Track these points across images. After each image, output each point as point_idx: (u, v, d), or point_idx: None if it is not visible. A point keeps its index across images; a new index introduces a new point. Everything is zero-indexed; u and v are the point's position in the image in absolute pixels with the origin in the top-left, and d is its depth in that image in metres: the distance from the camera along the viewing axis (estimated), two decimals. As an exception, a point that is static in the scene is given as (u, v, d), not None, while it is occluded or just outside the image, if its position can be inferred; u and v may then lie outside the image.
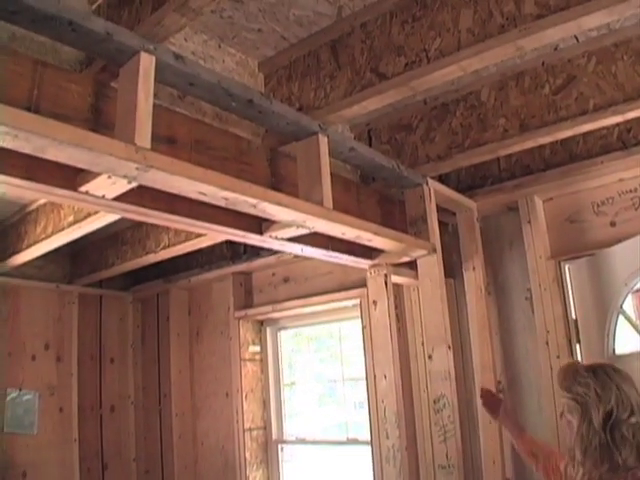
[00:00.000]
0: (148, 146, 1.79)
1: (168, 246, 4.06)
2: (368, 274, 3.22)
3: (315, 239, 2.74)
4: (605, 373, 2.17)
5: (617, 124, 3.21)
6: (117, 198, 2.05)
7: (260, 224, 2.53)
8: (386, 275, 3.15)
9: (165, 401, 5.15)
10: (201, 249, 4.30)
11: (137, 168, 1.78)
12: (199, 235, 3.80)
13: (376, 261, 3.15)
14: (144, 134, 1.80)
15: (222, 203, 2.10)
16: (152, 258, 4.29)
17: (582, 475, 2.16)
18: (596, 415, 2.08)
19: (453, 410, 2.94)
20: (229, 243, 4.61)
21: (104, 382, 5.22)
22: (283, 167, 2.65)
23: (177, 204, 2.25)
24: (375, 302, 3.18)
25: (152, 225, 4.16)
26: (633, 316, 3.07)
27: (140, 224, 4.24)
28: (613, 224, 3.37)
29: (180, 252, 4.14)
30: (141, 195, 2.13)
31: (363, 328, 4.02)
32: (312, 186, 2.43)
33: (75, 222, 3.29)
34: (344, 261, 3.08)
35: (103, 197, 2.02)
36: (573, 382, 2.18)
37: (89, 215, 3.16)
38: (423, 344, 3.72)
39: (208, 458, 4.97)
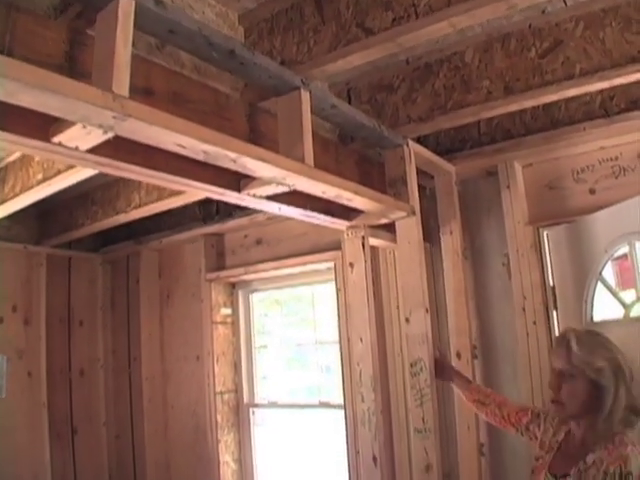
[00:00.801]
0: (126, 94, 1.70)
1: (139, 206, 3.97)
2: (345, 236, 3.16)
3: (293, 198, 2.67)
4: (606, 339, 2.23)
5: (600, 91, 3.19)
6: (91, 150, 1.95)
7: (239, 181, 2.45)
8: (364, 237, 3.10)
9: (135, 364, 5.11)
10: (173, 210, 4.22)
11: (114, 117, 1.69)
12: (171, 195, 3.72)
13: (354, 222, 3.10)
14: (122, 82, 1.71)
15: (201, 157, 2.03)
16: (123, 218, 4.20)
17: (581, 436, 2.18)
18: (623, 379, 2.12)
19: (430, 374, 2.91)
20: (201, 204, 4.53)
21: (73, 345, 5.15)
22: (262, 123, 2.57)
23: (154, 158, 2.16)
24: (352, 264, 3.13)
25: (123, 185, 4.08)
26: (612, 283, 3.06)
27: (111, 184, 4.15)
28: (593, 192, 3.36)
29: (151, 212, 4.05)
30: (116, 148, 2.03)
31: (337, 291, 3.99)
32: (293, 143, 2.36)
33: (44, 180, 3.19)
34: (322, 222, 3.02)
35: (76, 149, 1.92)
36: (598, 346, 2.18)
37: (59, 172, 3.07)
38: (398, 308, 3.73)
39: (179, 422, 4.94)
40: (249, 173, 2.23)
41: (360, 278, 3.08)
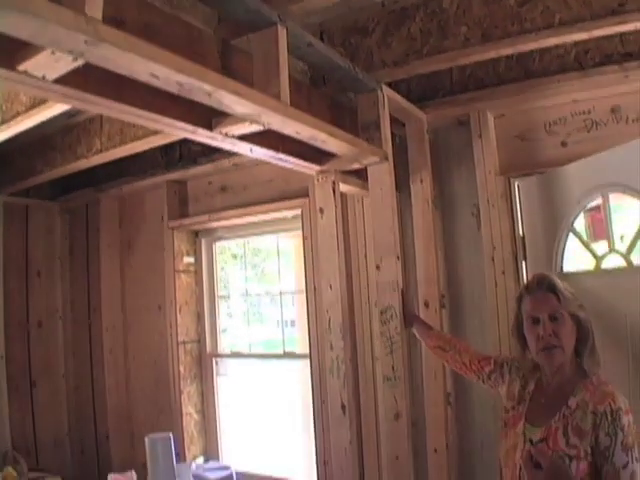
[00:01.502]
0: (99, 18, 1.61)
1: (100, 151, 3.85)
2: (315, 181, 3.11)
3: (265, 139, 2.61)
4: None
5: (575, 44, 3.16)
6: (58, 81, 1.86)
7: (210, 120, 2.38)
8: (334, 182, 3.04)
9: (95, 315, 5.03)
10: (134, 156, 4.11)
11: (86, 42, 1.59)
12: (133, 139, 3.62)
13: (325, 167, 3.04)
14: (96, 5, 1.61)
15: (175, 89, 1.94)
16: (83, 164, 4.07)
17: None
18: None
19: (400, 322, 2.89)
20: (164, 150, 4.43)
21: (31, 296, 5.04)
22: (235, 61, 2.46)
23: (125, 92, 2.07)
24: (322, 210, 3.07)
25: (84, 129, 3.94)
26: (584, 235, 3.07)
27: (71, 128, 4.01)
28: (564, 144, 3.34)
29: (113, 157, 3.93)
30: (85, 79, 1.94)
31: (304, 239, 3.94)
32: (268, 80, 2.27)
33: (2, 123, 3.05)
34: (293, 165, 2.95)
35: (43, 78, 1.82)
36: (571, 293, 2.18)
37: (17, 114, 2.94)
38: (366, 257, 3.71)
39: (140, 373, 4.89)
40: (223, 109, 2.15)
41: (330, 224, 3.04)
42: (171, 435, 2.53)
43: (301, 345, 4.59)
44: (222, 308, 4.83)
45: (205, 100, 2.04)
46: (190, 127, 2.33)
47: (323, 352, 3.64)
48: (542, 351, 2.16)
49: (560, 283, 2.18)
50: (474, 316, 3.52)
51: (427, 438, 3.44)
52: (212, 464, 3.36)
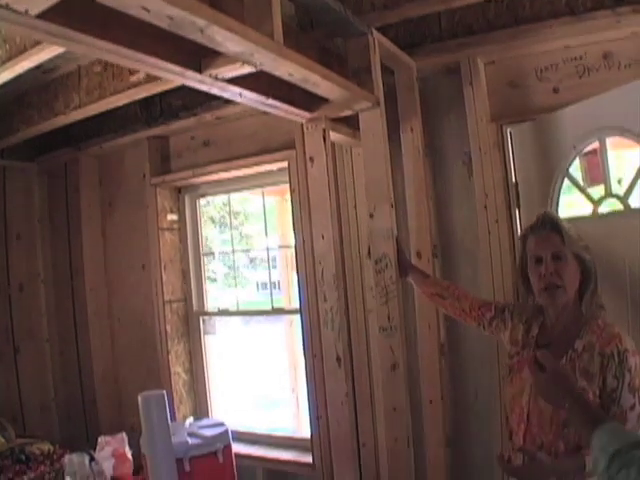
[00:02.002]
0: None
1: (79, 107, 3.71)
2: (305, 129, 3.02)
3: (255, 84, 2.53)
4: None
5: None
6: (41, 16, 1.76)
7: (199, 62, 2.28)
8: (324, 130, 2.96)
9: (77, 277, 4.92)
10: (114, 113, 4.00)
11: (71, -31, 1.50)
12: (113, 93, 3.50)
13: (315, 114, 2.95)
14: None
15: (165, 24, 1.83)
16: (61, 120, 3.92)
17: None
18: None
19: (395, 270, 2.84)
20: (144, 106, 4.30)
21: (11, 260, 4.91)
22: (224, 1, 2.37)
23: (110, 30, 1.96)
24: (312, 159, 2.99)
25: (61, 85, 3.80)
26: (580, 180, 3.02)
27: (48, 84, 3.86)
28: (556, 90, 3.27)
29: (92, 113, 3.79)
30: (69, 15, 1.84)
31: (291, 192, 3.86)
32: (261, 19, 2.16)
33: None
34: (282, 112, 2.87)
35: (26, 12, 1.72)
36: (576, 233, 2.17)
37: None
38: (356, 208, 3.67)
39: (126, 334, 4.81)
40: (215, 47, 2.05)
41: (321, 173, 2.96)
42: (164, 393, 2.47)
43: (286, 303, 4.55)
44: (210, 264, 4.75)
45: (197, 37, 1.94)
46: (178, 69, 2.23)
47: (314, 306, 3.58)
48: (544, 290, 2.14)
49: (565, 223, 2.15)
50: (467, 265, 3.48)
51: (422, 389, 3.41)
52: (206, 421, 3.30)
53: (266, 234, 4.49)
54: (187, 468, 2.38)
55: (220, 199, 5.16)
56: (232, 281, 4.91)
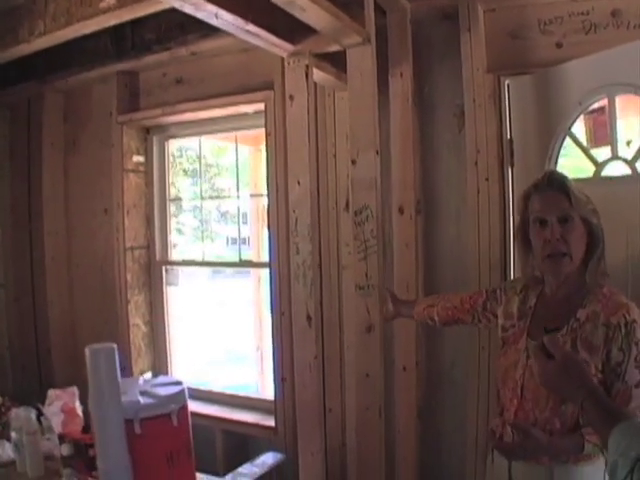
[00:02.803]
0: None
1: (44, 33, 3.36)
2: (286, 64, 2.75)
3: (233, 3, 2.24)
4: None
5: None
6: None
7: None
8: (307, 66, 2.69)
9: (36, 220, 4.60)
10: (82, 45, 3.70)
11: None
12: (80, 20, 3.18)
13: (299, 47, 2.68)
14: None
15: None
16: (25, 49, 3.55)
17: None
18: None
19: (377, 223, 2.59)
20: (114, 38, 3.97)
21: (-34, 201, 4.56)
22: None
23: None
24: (292, 97, 2.73)
25: (26, 11, 3.47)
26: (583, 140, 2.80)
27: (12, 11, 3.51)
28: (559, 45, 2.99)
29: (58, 41, 3.42)
30: None
31: (267, 136, 3.57)
32: None
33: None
34: (263, 42, 2.59)
35: None
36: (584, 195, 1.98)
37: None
38: (335, 156, 3.42)
39: (85, 281, 4.54)
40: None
41: (301, 113, 2.70)
42: (115, 346, 2.21)
43: (255, 258, 4.31)
44: (176, 211, 4.47)
45: None
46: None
47: (285, 259, 3.34)
48: (548, 258, 1.94)
49: (573, 184, 1.94)
50: (450, 225, 3.23)
51: (395, 355, 3.19)
52: (162, 379, 3.03)
53: (237, 185, 4.21)
54: (137, 430, 2.13)
55: (193, 149, 4.87)
56: (201, 234, 4.63)
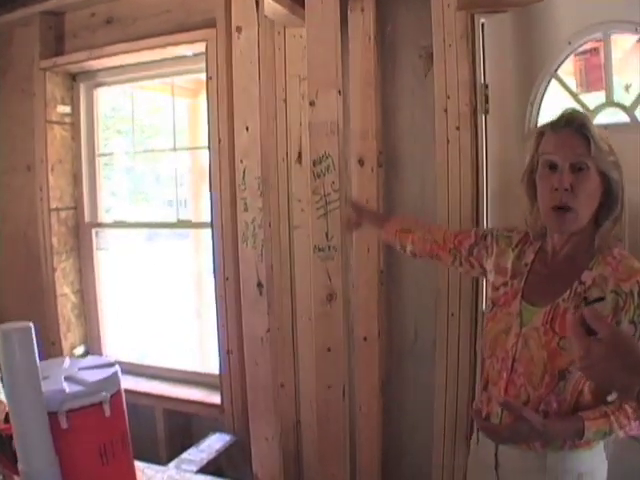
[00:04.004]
0: None
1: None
2: (237, -10, 2.37)
3: None
4: None
5: None
6: None
7: None
8: (259, -6, 2.32)
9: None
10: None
11: None
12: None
13: (249, -29, 2.30)
14: None
15: None
16: None
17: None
18: None
19: (339, 175, 2.25)
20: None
21: None
22: None
23: None
24: (240, 29, 2.37)
25: None
26: (572, 84, 2.51)
27: None
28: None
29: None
30: None
31: (208, 80, 3.14)
32: None
33: None
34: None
35: None
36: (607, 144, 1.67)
37: None
38: (286, 101, 3.04)
39: (7, 248, 4.06)
40: None
41: (250, 47, 2.36)
42: (31, 325, 1.81)
43: (195, 218, 3.94)
44: (106, 168, 4.05)
45: None
46: None
47: (229, 218, 2.98)
48: (552, 210, 1.65)
49: (596, 128, 1.63)
50: (415, 178, 2.90)
51: (355, 323, 2.86)
52: (92, 360, 2.61)
53: (175, 141, 3.79)
54: (63, 424, 1.75)
55: (126, 109, 4.43)
56: (136, 196, 4.23)
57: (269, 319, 2.38)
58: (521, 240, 1.85)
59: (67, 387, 2.00)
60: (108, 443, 1.96)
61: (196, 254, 4.02)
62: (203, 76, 3.21)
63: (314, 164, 2.30)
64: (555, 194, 1.61)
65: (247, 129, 2.34)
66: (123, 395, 2.29)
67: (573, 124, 1.62)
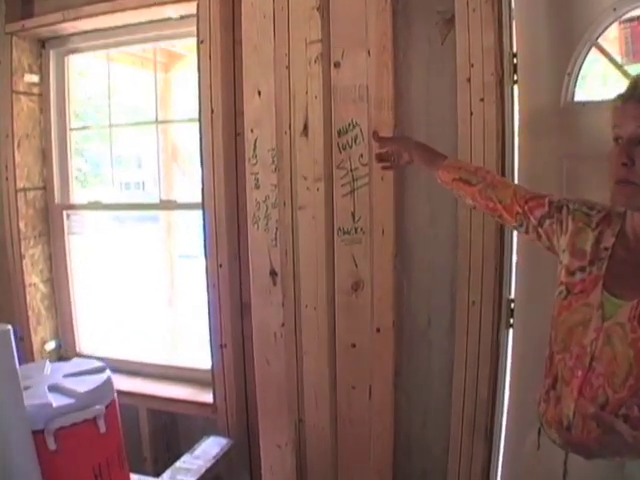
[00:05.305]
0: None
1: None
2: None
3: None
4: None
5: None
6: None
7: None
8: None
9: None
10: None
11: None
12: None
13: None
14: None
15: None
16: None
17: None
18: None
19: (369, 147, 1.96)
20: None
21: None
22: None
23: None
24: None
25: None
26: (616, 54, 2.30)
27: None
28: None
29: None
30: None
31: (199, 44, 2.82)
32: None
33: None
34: None
35: None
36: None
37: None
38: (289, 68, 2.64)
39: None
40: None
41: (263, -1, 2.03)
42: (10, 328, 1.51)
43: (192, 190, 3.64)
44: (80, 143, 3.71)
45: None
46: None
47: (223, 198, 2.69)
48: (615, 184, 1.49)
49: None
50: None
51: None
52: (77, 364, 2.27)
53: (156, 115, 3.48)
54: (51, 445, 1.47)
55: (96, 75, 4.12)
56: (127, 150, 3.94)
57: (284, 312, 2.10)
58: (602, 220, 1.62)
59: (53, 400, 1.69)
60: (104, 463, 1.68)
61: (167, 237, 3.75)
62: (185, 43, 2.98)
63: (339, 134, 2.03)
64: (620, 169, 1.43)
65: (259, 94, 2.06)
66: (117, 405, 1.98)
67: (636, 93, 1.46)
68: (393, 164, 2.15)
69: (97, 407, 1.61)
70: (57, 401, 1.67)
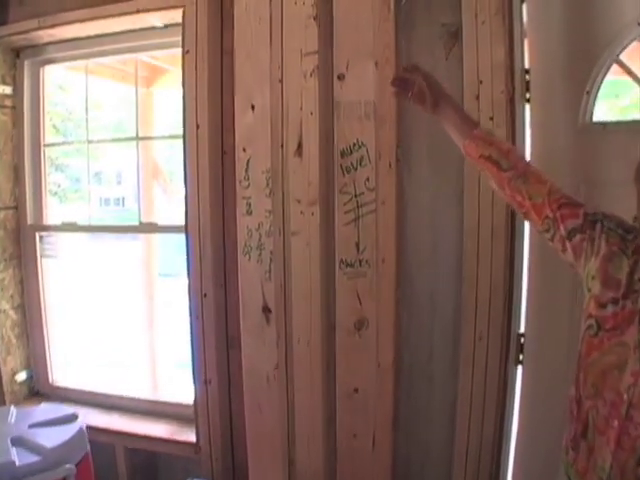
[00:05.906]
0: None
1: None
2: None
3: None
4: None
5: None
6: None
7: None
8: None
9: None
10: None
11: None
12: None
13: None
14: None
15: None
16: None
17: None
18: None
19: (376, 170, 1.77)
20: None
21: None
22: None
23: None
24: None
25: None
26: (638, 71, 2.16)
27: None
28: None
29: None
30: None
31: (184, 55, 2.64)
32: None
33: None
34: None
35: None
36: None
37: None
38: (282, 81, 2.48)
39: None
40: None
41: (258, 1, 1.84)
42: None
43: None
44: (54, 160, 3.51)
45: None
46: None
47: (208, 222, 2.50)
48: None
49: None
50: (432, 177, 2.42)
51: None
52: (46, 410, 2.05)
53: (137, 131, 3.28)
54: (15, 512, 1.25)
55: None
56: (80, 193, 3.74)
57: (278, 352, 1.89)
58: (638, 248, 1.43)
59: (17, 457, 1.47)
60: (75, 525, 1.46)
61: (147, 257, 3.55)
62: (168, 54, 3.01)
63: (342, 155, 1.83)
64: None
65: (253, 108, 1.86)
66: (90, 459, 1.75)
67: None
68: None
69: (67, 466, 1.40)
70: (21, 459, 1.45)
